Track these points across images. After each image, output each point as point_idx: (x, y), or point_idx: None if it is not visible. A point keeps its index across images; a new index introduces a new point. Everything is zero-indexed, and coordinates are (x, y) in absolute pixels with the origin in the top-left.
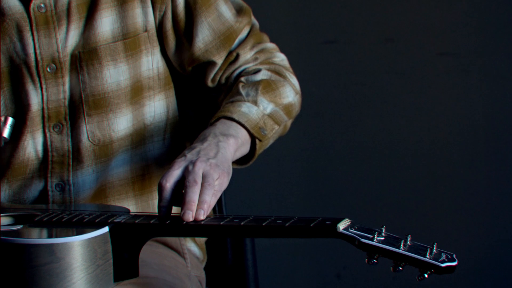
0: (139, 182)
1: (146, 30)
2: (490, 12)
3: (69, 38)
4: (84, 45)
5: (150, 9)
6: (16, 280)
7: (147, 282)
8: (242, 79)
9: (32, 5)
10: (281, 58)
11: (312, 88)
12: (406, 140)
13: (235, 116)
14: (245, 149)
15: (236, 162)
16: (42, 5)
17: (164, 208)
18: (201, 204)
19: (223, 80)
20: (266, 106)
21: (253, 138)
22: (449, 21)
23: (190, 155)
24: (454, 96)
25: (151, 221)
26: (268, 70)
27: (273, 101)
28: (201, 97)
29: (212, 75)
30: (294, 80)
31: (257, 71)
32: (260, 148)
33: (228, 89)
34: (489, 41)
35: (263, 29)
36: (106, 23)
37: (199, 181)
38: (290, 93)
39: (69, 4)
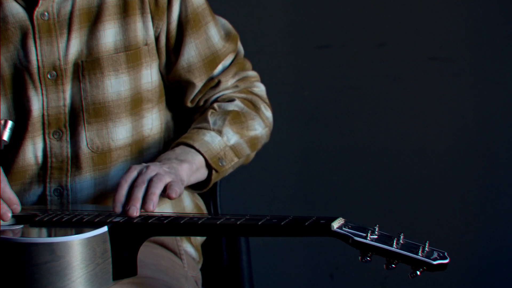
0: None
1: (146, 44)
2: (480, 18)
3: (70, 46)
4: (87, 54)
5: (150, 24)
6: (17, 278)
7: (145, 281)
8: (215, 105)
9: (35, 13)
10: (260, 88)
11: (306, 91)
12: (398, 142)
13: (196, 145)
14: (201, 175)
15: (192, 187)
16: (46, 13)
17: (120, 203)
18: (133, 201)
19: (201, 103)
20: (230, 137)
21: (210, 168)
22: (441, 27)
23: (146, 163)
24: (446, 99)
25: (149, 221)
26: (244, 100)
27: (238, 132)
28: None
29: (191, 96)
30: (268, 113)
31: (231, 100)
32: (216, 178)
33: (202, 111)
34: (480, 46)
35: (258, 34)
36: (109, 35)
37: (147, 182)
38: (259, 126)
39: (71, 13)
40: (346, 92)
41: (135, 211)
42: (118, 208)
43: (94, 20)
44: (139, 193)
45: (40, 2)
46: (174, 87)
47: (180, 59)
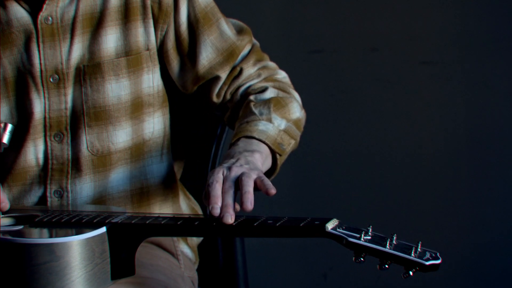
0: (138, 196)
1: (147, 49)
2: (472, 22)
3: (72, 51)
4: (89, 59)
5: (152, 29)
6: (17, 278)
7: (143, 281)
8: (252, 97)
9: (39, 17)
10: (283, 75)
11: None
12: (391, 145)
13: (255, 135)
14: (268, 164)
15: None
16: (50, 17)
17: (218, 206)
18: (226, 208)
19: (228, 96)
20: (280, 122)
21: (273, 153)
22: (432, 31)
23: (226, 165)
24: (437, 103)
25: (147, 222)
26: (274, 87)
27: (284, 117)
28: (192, 114)
29: (217, 90)
30: (297, 96)
31: (265, 89)
32: (281, 162)
33: (235, 106)
34: (470, 50)
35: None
36: (111, 40)
37: (234, 186)
38: (297, 108)
39: (74, 18)
40: (338, 96)
41: (229, 217)
42: (217, 210)
43: (97, 25)
44: (230, 199)
45: (44, 6)
46: (193, 91)
47: (199, 59)
